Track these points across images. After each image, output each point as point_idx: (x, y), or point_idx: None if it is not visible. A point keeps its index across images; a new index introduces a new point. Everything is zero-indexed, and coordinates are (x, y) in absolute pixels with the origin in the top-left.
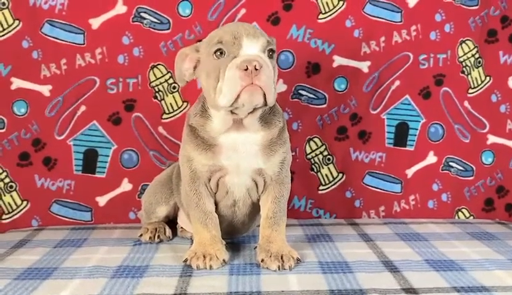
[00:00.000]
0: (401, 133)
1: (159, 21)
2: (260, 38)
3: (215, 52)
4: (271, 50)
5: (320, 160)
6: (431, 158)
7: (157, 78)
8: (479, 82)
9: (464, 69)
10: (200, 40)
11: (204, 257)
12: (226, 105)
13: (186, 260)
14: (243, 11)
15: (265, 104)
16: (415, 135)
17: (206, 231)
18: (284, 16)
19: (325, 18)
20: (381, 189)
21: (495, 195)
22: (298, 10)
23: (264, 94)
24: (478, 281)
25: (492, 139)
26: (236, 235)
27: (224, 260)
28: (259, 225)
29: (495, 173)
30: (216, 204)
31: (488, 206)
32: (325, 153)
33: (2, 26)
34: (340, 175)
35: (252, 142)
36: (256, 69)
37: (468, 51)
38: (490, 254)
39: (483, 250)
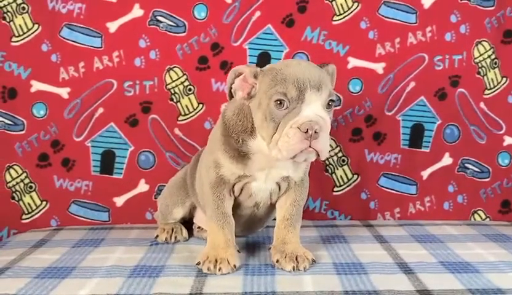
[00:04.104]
0: (416, 134)
1: (175, 24)
2: (324, 91)
3: (276, 101)
4: (331, 100)
5: (335, 161)
6: (447, 160)
7: (173, 81)
8: (495, 83)
9: (480, 70)
10: (216, 43)
11: (216, 261)
12: (279, 158)
13: (198, 263)
14: (258, 13)
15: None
16: (431, 136)
17: (222, 234)
18: (298, 18)
19: (339, 19)
20: (396, 191)
21: (511, 196)
22: (312, 12)
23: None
24: (493, 283)
25: (509, 140)
26: (252, 232)
27: (235, 265)
28: (272, 226)
29: (511, 174)
30: (237, 203)
31: (504, 208)
32: (340, 154)
33: (22, 29)
34: (355, 176)
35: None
36: (316, 132)
37: (484, 52)
38: (506, 256)
39: (499, 252)
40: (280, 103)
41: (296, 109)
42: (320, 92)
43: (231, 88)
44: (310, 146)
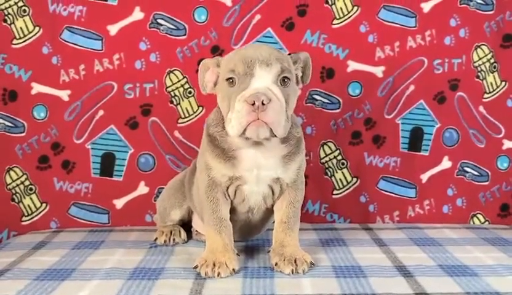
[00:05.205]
0: (416, 137)
1: (175, 27)
2: (274, 66)
3: (227, 79)
4: (285, 77)
5: (335, 164)
6: (446, 163)
7: (173, 84)
8: (494, 87)
9: (479, 73)
10: (216, 46)
11: (214, 264)
12: (234, 135)
13: (196, 267)
14: (258, 17)
15: (274, 136)
16: (430, 140)
17: (219, 238)
18: (298, 22)
19: (339, 23)
20: (395, 194)
21: (510, 200)
22: (312, 16)
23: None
24: (492, 287)
25: (508, 144)
26: (249, 237)
27: (233, 269)
28: (271, 229)
29: (510, 178)
30: (232, 208)
31: (503, 212)
32: (339, 157)
33: (23, 32)
34: (354, 179)
35: (271, 155)
36: (263, 104)
37: (483, 56)
38: (505, 260)
39: (497, 256)
40: (232, 81)
41: (245, 85)
42: (270, 67)
43: (204, 83)
44: (259, 119)
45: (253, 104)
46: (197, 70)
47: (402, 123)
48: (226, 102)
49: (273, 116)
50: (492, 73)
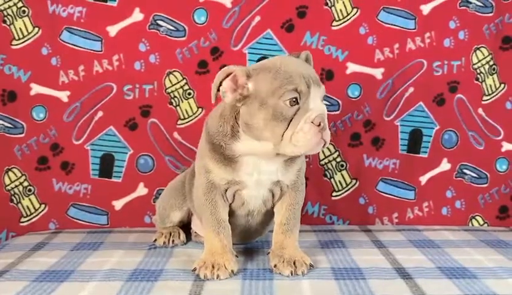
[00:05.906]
0: (415, 139)
1: (175, 29)
2: (322, 86)
3: (289, 99)
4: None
5: (334, 166)
6: (445, 165)
7: (173, 85)
8: (494, 89)
9: (478, 76)
10: (215, 47)
11: (213, 267)
12: (294, 154)
13: (195, 269)
14: (257, 18)
15: None
16: (429, 142)
17: (218, 240)
18: (297, 23)
19: (339, 25)
20: (394, 196)
21: (509, 202)
22: (312, 17)
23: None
24: (491, 289)
25: (507, 146)
26: (249, 241)
27: (232, 270)
28: (272, 231)
29: (509, 180)
30: (231, 212)
31: (502, 214)
32: (339, 159)
33: (22, 33)
34: (353, 181)
35: (273, 161)
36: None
37: (483, 58)
38: (504, 262)
39: (496, 258)
40: (296, 101)
41: (306, 105)
42: (320, 87)
43: (218, 90)
44: (322, 138)
45: (319, 125)
46: (196, 72)
47: (402, 125)
48: (280, 122)
49: (330, 134)
50: (491, 75)
